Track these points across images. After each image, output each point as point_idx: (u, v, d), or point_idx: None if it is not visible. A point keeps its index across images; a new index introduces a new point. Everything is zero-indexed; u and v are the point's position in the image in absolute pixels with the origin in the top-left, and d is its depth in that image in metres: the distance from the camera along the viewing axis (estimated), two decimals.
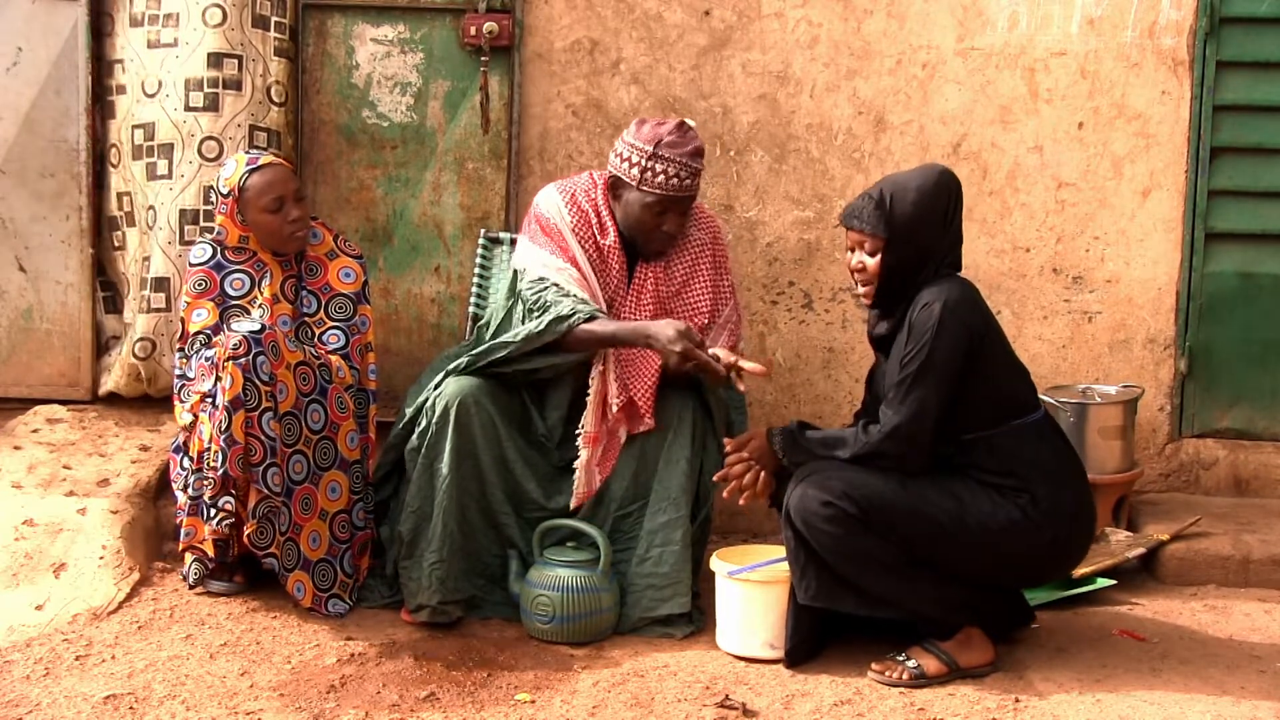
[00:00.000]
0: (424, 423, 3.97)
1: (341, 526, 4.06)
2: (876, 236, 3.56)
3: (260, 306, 4.11)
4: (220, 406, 3.78)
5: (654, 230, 4.01)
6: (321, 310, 4.19)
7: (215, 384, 3.81)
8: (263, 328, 3.86)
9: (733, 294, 4.17)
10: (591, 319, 3.90)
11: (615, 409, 3.95)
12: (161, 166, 4.60)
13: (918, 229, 3.56)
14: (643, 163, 3.94)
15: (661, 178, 3.94)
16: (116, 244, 4.76)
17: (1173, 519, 4.49)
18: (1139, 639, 3.89)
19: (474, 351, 4.05)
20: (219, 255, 4.15)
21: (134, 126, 4.64)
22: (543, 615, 3.83)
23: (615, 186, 4.02)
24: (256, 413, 3.79)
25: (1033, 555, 3.60)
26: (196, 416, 3.94)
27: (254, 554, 3.89)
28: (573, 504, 3.97)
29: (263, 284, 4.14)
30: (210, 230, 4.28)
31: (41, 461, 4.44)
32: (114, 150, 4.71)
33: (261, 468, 3.80)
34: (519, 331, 3.97)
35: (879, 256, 3.57)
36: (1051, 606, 4.05)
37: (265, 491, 3.81)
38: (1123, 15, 4.72)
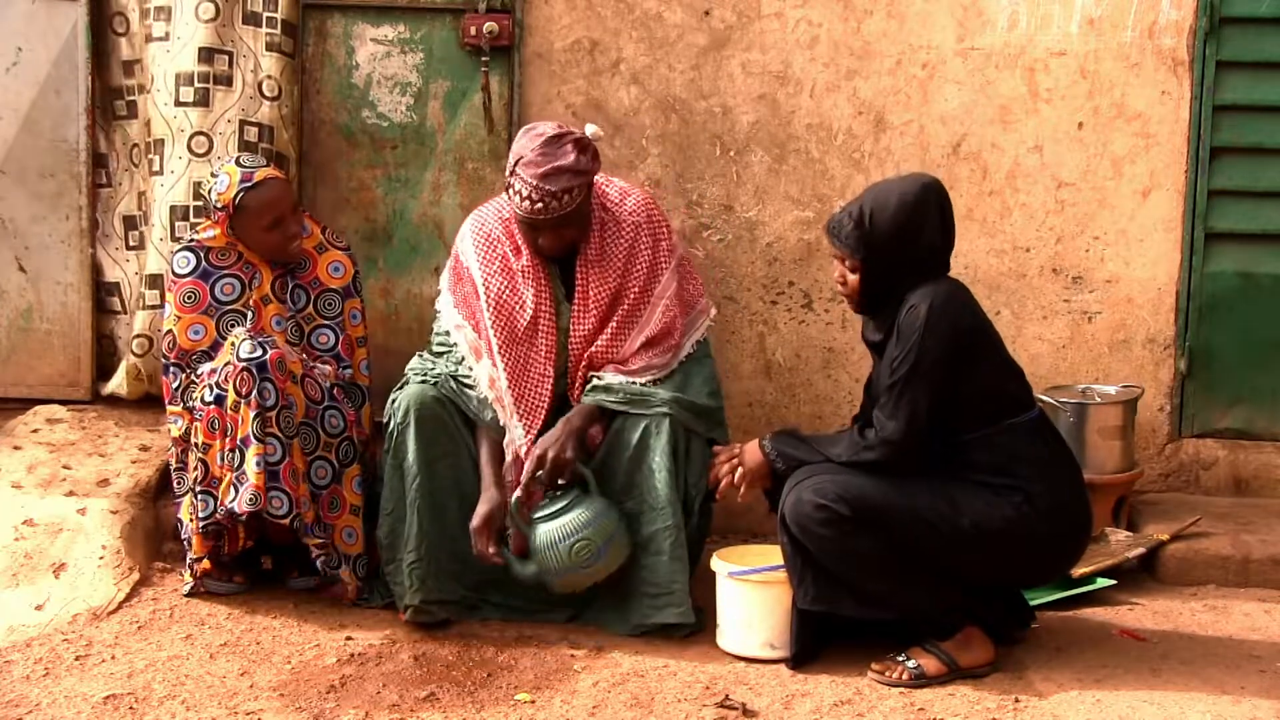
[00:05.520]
0: (390, 426, 3.95)
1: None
2: (854, 256, 3.58)
3: (251, 315, 4.08)
4: (235, 448, 3.82)
5: (530, 244, 3.87)
6: (311, 305, 4.18)
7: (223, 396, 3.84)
8: (265, 351, 3.85)
9: (670, 265, 3.98)
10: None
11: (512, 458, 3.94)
12: (155, 163, 4.59)
13: (896, 246, 3.56)
14: (508, 177, 3.79)
15: (517, 198, 3.76)
16: (115, 245, 4.76)
17: (1173, 519, 4.49)
18: (1139, 639, 3.89)
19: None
20: (203, 262, 4.09)
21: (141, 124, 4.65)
22: (584, 559, 3.75)
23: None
24: (264, 444, 3.82)
25: (1029, 555, 3.60)
26: (190, 427, 3.95)
27: (307, 549, 3.92)
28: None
29: (253, 285, 4.12)
30: (191, 231, 4.25)
31: (41, 461, 4.44)
32: (112, 156, 4.72)
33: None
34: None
35: (858, 274, 3.60)
36: (1051, 606, 4.05)
37: (274, 517, 3.81)
38: (1123, 15, 4.72)
